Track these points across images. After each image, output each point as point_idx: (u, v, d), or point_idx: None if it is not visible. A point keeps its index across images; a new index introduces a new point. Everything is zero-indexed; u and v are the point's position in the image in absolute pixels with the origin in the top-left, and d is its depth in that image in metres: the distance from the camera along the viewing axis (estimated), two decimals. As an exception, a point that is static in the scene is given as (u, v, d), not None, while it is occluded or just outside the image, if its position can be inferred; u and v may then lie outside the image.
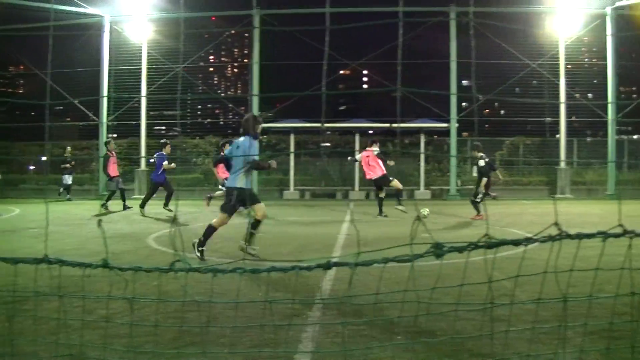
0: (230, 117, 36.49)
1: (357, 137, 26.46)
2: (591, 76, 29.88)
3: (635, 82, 30.32)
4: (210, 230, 9.08)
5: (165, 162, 17.35)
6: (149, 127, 28.23)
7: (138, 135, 27.71)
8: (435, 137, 28.33)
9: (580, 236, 2.80)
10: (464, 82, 29.48)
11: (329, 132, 29.46)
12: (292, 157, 26.08)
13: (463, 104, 27.28)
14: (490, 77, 27.04)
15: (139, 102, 27.57)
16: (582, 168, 28.82)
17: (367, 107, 43.43)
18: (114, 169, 18.84)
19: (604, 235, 2.84)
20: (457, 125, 26.17)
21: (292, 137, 26.82)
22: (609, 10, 26.43)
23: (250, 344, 4.61)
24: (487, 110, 31.75)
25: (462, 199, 24.61)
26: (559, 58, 26.91)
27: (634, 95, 33.18)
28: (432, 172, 27.37)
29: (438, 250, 2.72)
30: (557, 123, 27.29)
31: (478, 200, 15.66)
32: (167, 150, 17.80)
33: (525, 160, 28.28)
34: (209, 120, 37.68)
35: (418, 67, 30.45)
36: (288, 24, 31.17)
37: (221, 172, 16.82)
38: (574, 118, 29.30)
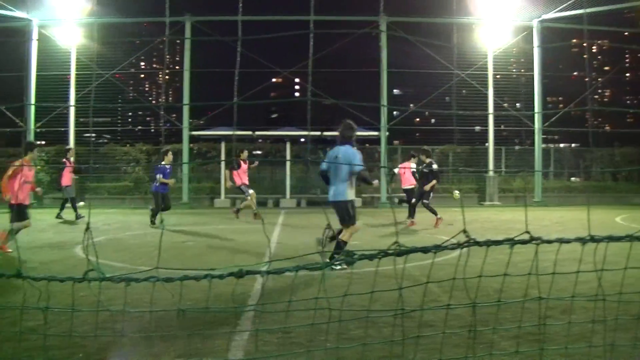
0: (162, 124, 36.07)
1: (288, 145, 26.37)
2: (519, 86, 30.60)
3: (561, 92, 31.22)
4: (343, 245, 8.68)
5: (159, 176, 16.14)
6: (78, 134, 27.48)
7: (67, 142, 27.02)
8: (367, 145, 28.48)
9: (488, 243, 2.81)
10: (395, 91, 29.81)
11: (260, 140, 29.37)
12: (222, 164, 25.77)
13: (394, 112, 27.54)
14: (421, 87, 27.39)
15: (67, 108, 26.86)
16: (510, 176, 29.40)
17: (299, 115, 43.60)
18: (67, 178, 18.26)
19: (511, 242, 2.86)
20: (387, 133, 26.35)
21: (222, 145, 26.52)
22: (535, 22, 27.07)
23: (175, 354, 4.61)
24: (418, 119, 32.20)
25: (393, 206, 24.80)
26: (487, 68, 27.32)
27: (560, 105, 34.13)
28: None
29: (349, 258, 2.71)
30: (486, 132, 27.73)
31: (428, 201, 16.30)
32: (168, 158, 16.81)
33: (455, 168, 28.68)
34: (139, 127, 37.23)
35: (350, 75, 30.68)
36: (220, 31, 31.02)
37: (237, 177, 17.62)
38: (502, 127, 29.91)
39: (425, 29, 26.77)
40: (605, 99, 75.06)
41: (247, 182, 17.90)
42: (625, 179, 30.70)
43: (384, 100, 25.63)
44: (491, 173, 26.95)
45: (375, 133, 26.11)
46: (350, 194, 8.95)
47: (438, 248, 2.84)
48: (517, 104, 31.69)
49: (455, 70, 26.59)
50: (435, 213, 15.98)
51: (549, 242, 2.93)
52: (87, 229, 2.87)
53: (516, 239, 2.87)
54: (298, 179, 27.26)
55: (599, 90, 68.85)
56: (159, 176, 16.12)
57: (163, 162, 16.56)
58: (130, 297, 5.95)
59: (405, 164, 17.93)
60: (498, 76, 28.74)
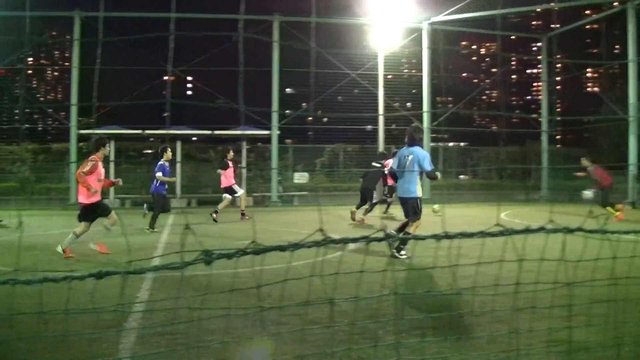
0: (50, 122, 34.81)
1: (178, 144, 26.05)
2: (409, 86, 31.39)
3: (450, 92, 32.27)
4: (408, 237, 9.17)
5: (159, 174, 15.31)
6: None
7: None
8: (260, 144, 28.54)
9: (345, 240, 2.87)
10: (288, 90, 29.96)
11: (152, 139, 28.86)
12: (112, 165, 25.17)
13: (287, 111, 27.67)
14: (314, 86, 27.57)
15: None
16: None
17: (191, 114, 43.12)
18: None
19: (367, 239, 2.91)
20: (278, 132, 26.45)
21: (112, 144, 25.86)
22: (424, 24, 27.81)
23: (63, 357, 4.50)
24: (310, 118, 32.42)
25: (284, 205, 24.97)
26: (378, 69, 27.81)
27: (450, 105, 35.26)
28: (255, 179, 27.49)
29: (207, 257, 2.69)
30: (377, 131, 28.21)
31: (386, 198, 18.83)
32: (167, 155, 15.74)
33: (346, 167, 29.08)
34: (26, 125, 35.76)
35: (244, 73, 30.49)
36: (110, 27, 30.24)
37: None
38: (393, 126, 30.58)
39: (318, 29, 26.92)
40: (493, 100, 78.01)
41: (234, 182, 18.21)
42: (510, 177, 32.07)
43: (275, 99, 25.64)
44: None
45: (266, 132, 26.16)
46: (419, 191, 9.97)
47: (296, 246, 2.92)
48: (408, 104, 32.48)
49: (347, 70, 27.01)
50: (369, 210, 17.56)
51: (401, 239, 3.05)
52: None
53: (372, 236, 2.96)
54: (189, 178, 26.97)
55: (487, 91, 71.62)
56: (159, 174, 15.33)
57: (163, 159, 15.56)
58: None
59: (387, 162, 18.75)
60: (389, 76, 29.38)
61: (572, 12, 30.11)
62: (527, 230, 2.92)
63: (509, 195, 29.19)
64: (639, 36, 24.38)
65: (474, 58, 70.83)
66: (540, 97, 33.15)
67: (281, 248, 2.86)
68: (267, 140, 27.00)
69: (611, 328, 4.43)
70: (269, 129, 25.94)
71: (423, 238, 3.03)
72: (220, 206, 17.75)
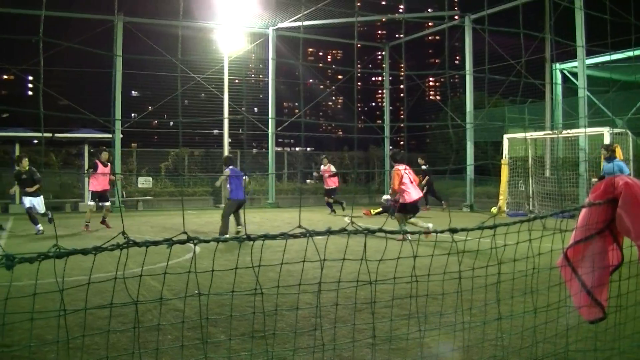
0: None
1: (17, 146, 24.64)
2: (256, 91, 31.65)
3: (296, 98, 33.10)
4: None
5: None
6: None
7: None
8: (104, 147, 27.60)
9: (147, 244, 2.81)
10: (134, 93, 29.30)
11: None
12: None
13: (132, 114, 27.06)
14: (159, 89, 27.18)
15: None
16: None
17: (31, 115, 41.04)
18: None
19: (169, 242, 2.87)
20: (122, 136, 25.75)
21: None
22: (270, 30, 28.12)
23: None
24: (155, 122, 31.92)
25: (127, 210, 24.38)
26: (223, 73, 27.70)
27: (297, 111, 35.93)
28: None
29: (9, 261, 2.55)
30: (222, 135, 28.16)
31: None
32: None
33: (191, 171, 28.75)
34: None
35: (87, 74, 29.53)
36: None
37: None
38: (240, 131, 30.72)
39: (163, 32, 26.47)
40: (339, 106, 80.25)
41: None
42: (355, 181, 33.06)
43: (119, 102, 24.84)
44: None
45: (109, 135, 25.39)
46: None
47: (98, 249, 2.90)
48: (255, 109, 32.73)
49: (192, 74, 26.76)
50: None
51: (206, 241, 3.08)
52: None
53: (175, 239, 2.99)
54: None
55: (333, 97, 73.55)
56: (246, 178, 15.02)
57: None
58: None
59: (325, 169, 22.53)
60: (237, 81, 29.46)
61: (414, 24, 31.58)
62: (329, 232, 3.12)
63: (354, 199, 30.07)
64: (475, 49, 25.85)
65: (320, 65, 72.46)
66: (383, 104, 34.45)
67: (83, 251, 2.85)
68: (108, 143, 26.17)
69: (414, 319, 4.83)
70: (111, 132, 25.21)
71: (226, 240, 3.14)
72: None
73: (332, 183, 22.31)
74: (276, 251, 8.96)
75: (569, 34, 21.07)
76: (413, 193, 13.20)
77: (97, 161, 16.58)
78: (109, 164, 16.80)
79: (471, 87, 26.06)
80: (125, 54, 26.10)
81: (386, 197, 20.84)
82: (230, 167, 15.49)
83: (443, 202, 24.34)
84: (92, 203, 16.35)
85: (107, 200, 16.54)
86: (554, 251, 3.67)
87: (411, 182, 13.36)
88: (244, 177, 14.81)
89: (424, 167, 24.11)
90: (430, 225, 13.03)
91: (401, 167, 13.36)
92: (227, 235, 10.76)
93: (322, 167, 23.27)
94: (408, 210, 13.30)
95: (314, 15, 25.61)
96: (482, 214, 22.27)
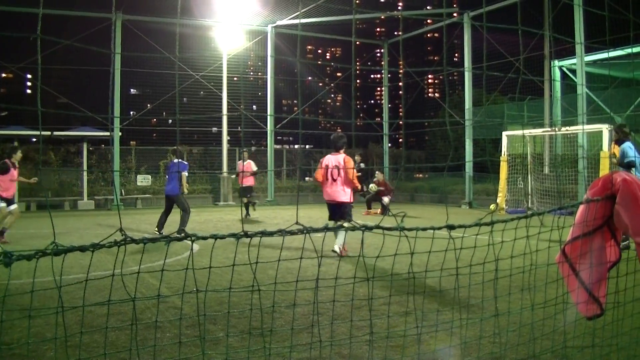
0: None
1: (16, 144, 24.59)
2: (255, 89, 31.59)
3: (294, 96, 32.94)
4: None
5: (185, 173, 14.08)
6: None
7: None
8: (103, 145, 27.65)
9: (144, 241, 2.80)
10: (133, 91, 29.25)
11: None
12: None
13: (131, 112, 27.02)
14: (159, 87, 27.14)
15: None
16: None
17: (30, 114, 41.06)
18: None
19: (168, 239, 2.85)
20: (120, 134, 25.71)
21: None
22: (269, 28, 28.08)
23: None
24: (155, 120, 31.87)
25: (126, 208, 24.35)
26: (222, 71, 27.63)
27: (295, 109, 35.91)
28: (96, 182, 26.48)
29: (7, 259, 2.55)
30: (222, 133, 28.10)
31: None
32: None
33: (190, 169, 28.67)
34: None
35: (86, 72, 29.49)
36: None
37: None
38: (239, 128, 30.65)
39: (161, 30, 26.45)
40: (338, 103, 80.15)
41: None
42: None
43: (117, 99, 24.82)
44: (225, 174, 27.29)
45: (107, 133, 25.34)
46: None
47: (96, 246, 2.90)
48: (254, 106, 32.70)
49: (191, 72, 26.71)
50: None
51: (204, 238, 3.06)
52: None
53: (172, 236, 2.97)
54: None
55: (332, 95, 73.51)
56: (184, 173, 14.03)
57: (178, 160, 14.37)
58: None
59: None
60: (235, 78, 29.40)
61: (413, 21, 31.49)
62: (326, 229, 3.11)
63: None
64: (474, 46, 25.79)
65: (319, 62, 72.34)
66: (382, 101, 34.40)
67: (81, 249, 2.85)
68: (107, 141, 26.19)
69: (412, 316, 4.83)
70: (110, 130, 25.17)
71: (224, 237, 3.14)
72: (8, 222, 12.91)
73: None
74: (277, 249, 8.97)
75: (568, 31, 21.06)
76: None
77: (7, 161, 12.71)
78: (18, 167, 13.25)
79: (470, 85, 26.03)
80: (123, 52, 26.01)
81: (372, 185, 21.04)
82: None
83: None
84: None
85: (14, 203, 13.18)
86: (551, 248, 3.67)
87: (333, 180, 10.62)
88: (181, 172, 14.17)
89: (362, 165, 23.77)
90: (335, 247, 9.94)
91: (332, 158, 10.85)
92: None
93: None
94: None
95: (313, 13, 25.58)
96: (481, 211, 22.26)
